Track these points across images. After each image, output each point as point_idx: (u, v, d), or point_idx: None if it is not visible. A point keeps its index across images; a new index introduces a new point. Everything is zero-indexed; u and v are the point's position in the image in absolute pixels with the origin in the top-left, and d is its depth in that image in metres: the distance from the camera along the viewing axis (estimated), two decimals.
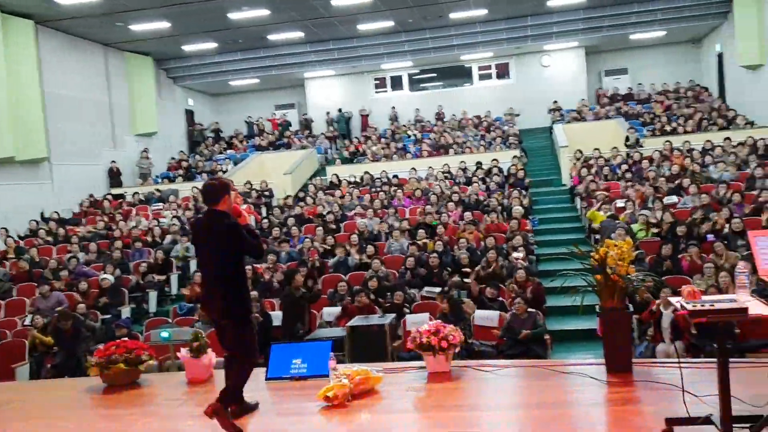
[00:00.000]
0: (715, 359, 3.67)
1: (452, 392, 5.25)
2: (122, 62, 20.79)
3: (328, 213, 14.45)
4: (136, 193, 18.54)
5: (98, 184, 19.08)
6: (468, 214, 12.96)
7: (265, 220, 14.33)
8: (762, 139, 14.87)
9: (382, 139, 21.90)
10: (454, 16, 19.99)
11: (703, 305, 3.62)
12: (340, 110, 23.89)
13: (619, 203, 12.70)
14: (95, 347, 8.26)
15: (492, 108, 23.02)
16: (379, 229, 13.06)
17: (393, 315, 8.48)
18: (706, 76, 22.87)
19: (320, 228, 13.06)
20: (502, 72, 24.29)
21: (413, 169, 17.01)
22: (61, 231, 15.07)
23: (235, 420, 4.63)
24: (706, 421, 3.79)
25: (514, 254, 10.57)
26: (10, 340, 9.81)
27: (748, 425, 3.66)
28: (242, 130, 24.85)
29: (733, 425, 3.59)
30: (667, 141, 15.70)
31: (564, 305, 9.50)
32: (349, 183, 17.33)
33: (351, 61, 22.59)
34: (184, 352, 6.15)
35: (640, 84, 22.97)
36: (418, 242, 11.69)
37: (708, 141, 15.55)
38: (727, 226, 10.36)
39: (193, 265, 12.80)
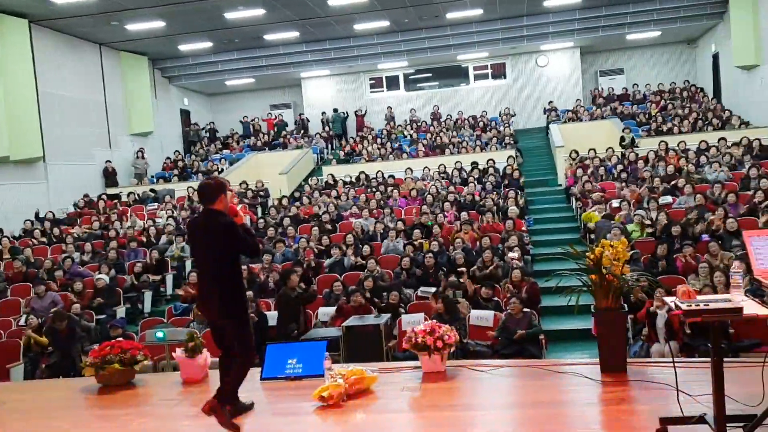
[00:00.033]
0: (709, 359, 3.69)
1: (447, 392, 5.25)
2: (118, 62, 20.76)
3: (324, 213, 14.44)
4: (132, 193, 18.50)
5: (93, 184, 19.04)
6: (464, 215, 12.97)
7: (261, 220, 14.31)
8: (757, 139, 14.91)
9: (378, 139, 21.90)
10: (450, 16, 20.02)
11: (697, 305, 3.63)
12: (335, 110, 23.89)
13: (615, 203, 12.71)
14: (90, 347, 8.28)
15: (488, 108, 23.07)
16: (375, 229, 13.06)
17: (388, 315, 8.48)
18: (701, 76, 22.96)
19: (316, 228, 13.04)
20: (498, 72, 24.33)
21: (409, 169, 17.01)
22: (56, 231, 15.04)
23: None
24: (700, 420, 3.81)
25: (510, 254, 10.58)
26: (5, 341, 9.81)
27: (741, 425, 3.68)
28: (238, 129, 24.83)
29: (727, 424, 3.60)
30: (663, 141, 15.73)
31: (559, 305, 9.50)
32: (345, 183, 17.32)
33: (347, 60, 22.59)
34: (179, 353, 6.13)
35: (635, 84, 23.02)
36: (414, 242, 11.70)
37: (703, 141, 15.58)
38: (721, 226, 10.38)
39: (188, 265, 12.78)
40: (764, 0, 17.68)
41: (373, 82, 24.94)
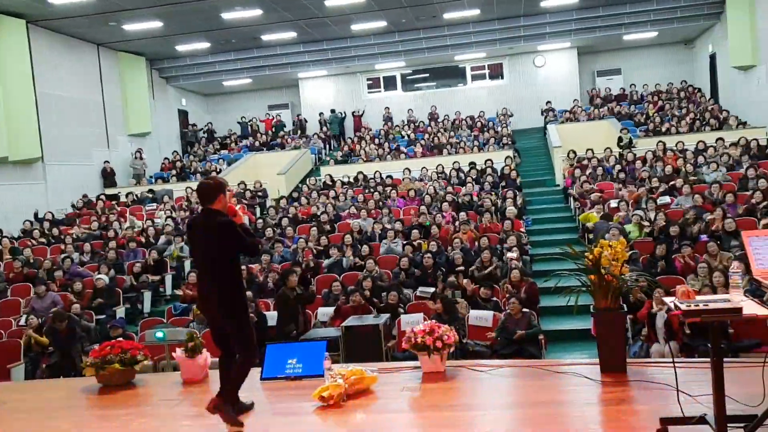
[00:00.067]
0: (709, 359, 3.70)
1: (447, 392, 5.26)
2: (115, 62, 20.75)
3: (322, 213, 14.44)
4: (130, 193, 18.48)
5: (92, 185, 19.03)
6: (462, 215, 12.99)
7: (260, 221, 14.31)
8: (755, 139, 14.93)
9: (376, 140, 21.89)
10: (447, 16, 20.04)
11: (697, 305, 3.63)
12: (333, 111, 23.89)
13: (613, 204, 12.73)
14: (90, 347, 8.28)
15: (485, 108, 23.07)
16: (373, 229, 13.07)
17: (387, 315, 8.48)
18: (698, 76, 23.00)
19: (314, 228, 13.05)
20: (496, 72, 24.35)
21: (407, 169, 17.02)
22: (55, 231, 15.04)
23: None
24: (701, 420, 3.82)
25: (508, 254, 10.59)
26: (6, 341, 9.81)
27: (742, 425, 3.68)
28: (236, 130, 24.81)
29: (728, 425, 3.60)
30: (660, 141, 15.75)
31: (558, 305, 9.50)
32: (343, 183, 17.32)
33: (344, 61, 22.60)
34: (179, 353, 6.13)
35: (632, 84, 23.05)
36: (413, 243, 11.71)
37: (701, 141, 15.60)
38: (720, 226, 10.40)
39: (187, 265, 12.78)
40: (761, 0, 17.74)
41: (370, 82, 24.96)
